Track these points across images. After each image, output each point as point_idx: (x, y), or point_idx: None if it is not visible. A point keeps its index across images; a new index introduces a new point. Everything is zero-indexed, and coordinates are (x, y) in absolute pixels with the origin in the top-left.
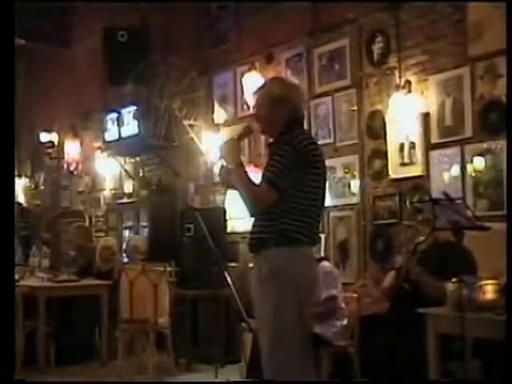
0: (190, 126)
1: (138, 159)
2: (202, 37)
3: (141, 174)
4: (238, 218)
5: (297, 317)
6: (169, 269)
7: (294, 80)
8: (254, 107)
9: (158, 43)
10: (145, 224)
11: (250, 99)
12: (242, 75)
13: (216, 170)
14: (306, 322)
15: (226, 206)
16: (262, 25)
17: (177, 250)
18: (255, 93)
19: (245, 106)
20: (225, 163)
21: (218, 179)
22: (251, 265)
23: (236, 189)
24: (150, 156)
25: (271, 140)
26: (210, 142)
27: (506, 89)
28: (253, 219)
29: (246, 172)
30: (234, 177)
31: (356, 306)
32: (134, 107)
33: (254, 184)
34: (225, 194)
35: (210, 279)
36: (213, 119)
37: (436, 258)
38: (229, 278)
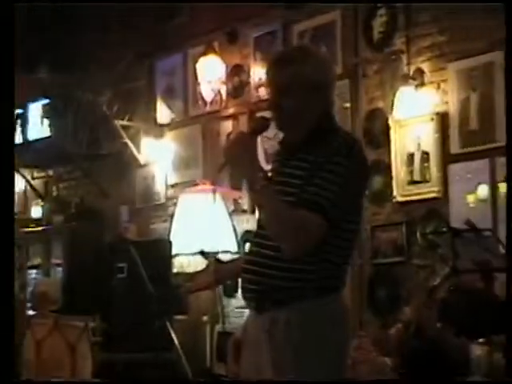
0: (124, 127)
1: (50, 172)
2: (143, 7)
3: (54, 193)
4: (188, 253)
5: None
6: (92, 324)
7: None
8: (271, 88)
9: (82, 13)
10: (59, 262)
11: (207, 91)
12: (196, 59)
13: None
14: None
15: (172, 237)
16: None
17: (104, 298)
18: (276, 65)
19: (199, 101)
20: (235, 176)
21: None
22: (206, 318)
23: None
24: (67, 168)
25: (281, 136)
26: (151, 150)
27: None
28: (257, 252)
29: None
30: (258, 198)
31: (349, 376)
32: (46, 101)
33: (293, 212)
34: (170, 221)
35: (149, 338)
36: (155, 119)
37: (457, 311)
38: (175, 337)
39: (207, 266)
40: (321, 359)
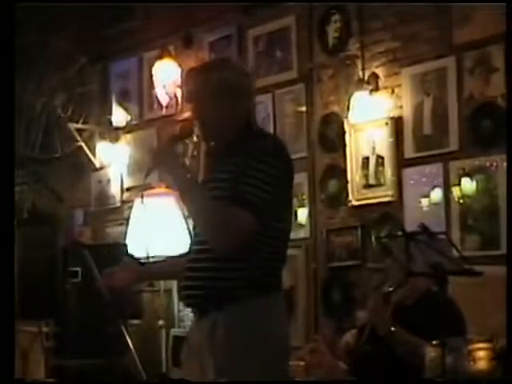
0: (79, 130)
1: None
2: (97, 10)
3: None
4: (144, 257)
5: None
6: (45, 329)
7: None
8: (192, 97)
9: (34, 15)
10: None
11: (162, 95)
12: (151, 63)
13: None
14: None
15: (128, 241)
16: None
17: (57, 302)
18: (195, 74)
19: (155, 105)
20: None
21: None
22: (161, 322)
23: None
24: (20, 172)
25: (211, 143)
26: (106, 154)
27: (504, 87)
28: (195, 258)
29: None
30: (187, 198)
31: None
32: None
33: (222, 208)
34: (126, 224)
35: (103, 343)
36: (110, 122)
37: (411, 313)
38: (130, 341)
39: (123, 263)
40: (261, 359)
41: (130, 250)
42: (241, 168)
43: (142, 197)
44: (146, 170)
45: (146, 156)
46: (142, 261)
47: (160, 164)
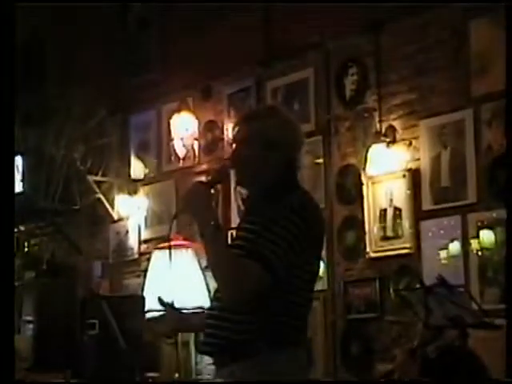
0: (97, 182)
1: (21, 228)
2: (116, 63)
3: (26, 249)
4: (161, 310)
5: None
6: (63, 381)
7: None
8: (235, 142)
9: (56, 68)
10: (29, 318)
11: (180, 147)
12: (170, 115)
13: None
14: None
15: (145, 293)
16: (198, 49)
17: (75, 354)
18: (242, 122)
19: (173, 157)
20: (194, 223)
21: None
22: (178, 375)
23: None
24: (39, 224)
25: (244, 194)
26: (125, 206)
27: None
28: (213, 307)
29: (227, 238)
30: (206, 245)
31: None
32: (18, 156)
33: (236, 259)
34: (143, 276)
35: None
36: (129, 174)
37: (433, 366)
38: None
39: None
40: None
41: (148, 303)
42: (265, 221)
43: (169, 249)
44: (174, 213)
45: (164, 207)
46: (183, 311)
47: (187, 208)
